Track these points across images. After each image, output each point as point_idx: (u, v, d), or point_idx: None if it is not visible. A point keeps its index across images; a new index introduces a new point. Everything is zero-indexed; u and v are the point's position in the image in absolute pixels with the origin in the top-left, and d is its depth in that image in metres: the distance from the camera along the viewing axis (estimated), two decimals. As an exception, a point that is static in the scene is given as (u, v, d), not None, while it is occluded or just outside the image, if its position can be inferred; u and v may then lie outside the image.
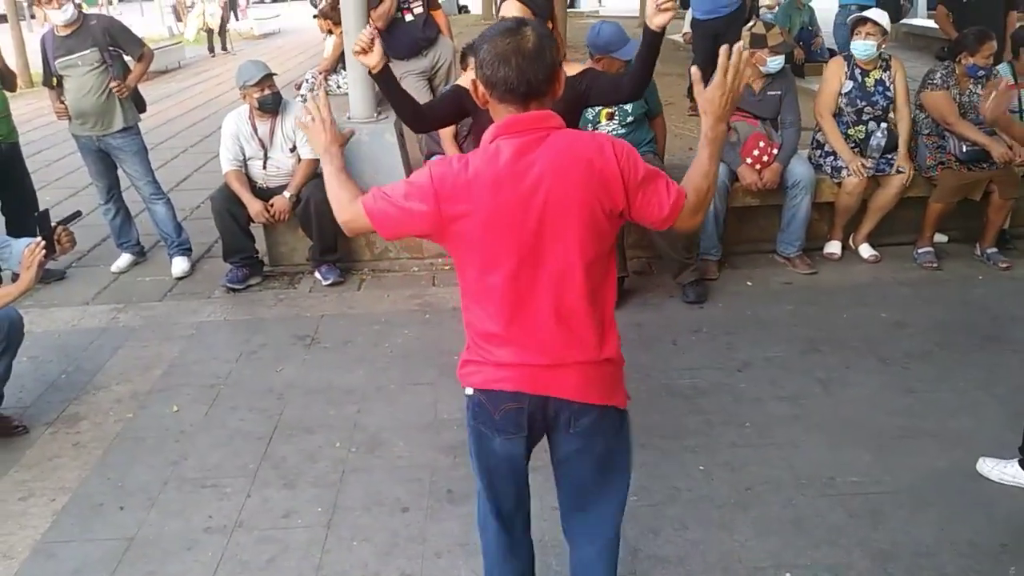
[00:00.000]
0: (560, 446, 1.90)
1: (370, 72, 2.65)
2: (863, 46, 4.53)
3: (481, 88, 1.73)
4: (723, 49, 1.70)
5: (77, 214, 3.34)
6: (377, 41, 2.58)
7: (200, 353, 4.03)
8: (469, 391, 1.87)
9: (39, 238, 3.06)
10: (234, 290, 4.69)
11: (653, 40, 2.53)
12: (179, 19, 22.27)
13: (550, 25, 2.65)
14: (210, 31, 18.19)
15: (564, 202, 1.68)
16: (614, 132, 4.33)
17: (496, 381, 1.81)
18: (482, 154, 1.71)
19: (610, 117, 4.35)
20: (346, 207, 1.85)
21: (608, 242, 1.77)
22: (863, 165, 4.55)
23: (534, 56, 1.66)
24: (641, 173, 1.71)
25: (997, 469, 2.85)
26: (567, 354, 1.78)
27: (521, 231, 1.69)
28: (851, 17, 4.76)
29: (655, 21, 2.43)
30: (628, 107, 4.31)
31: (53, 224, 3.10)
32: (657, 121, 4.59)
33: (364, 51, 2.56)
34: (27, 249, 3.02)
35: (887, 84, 4.60)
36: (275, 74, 4.66)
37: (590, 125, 4.34)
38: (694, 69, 1.81)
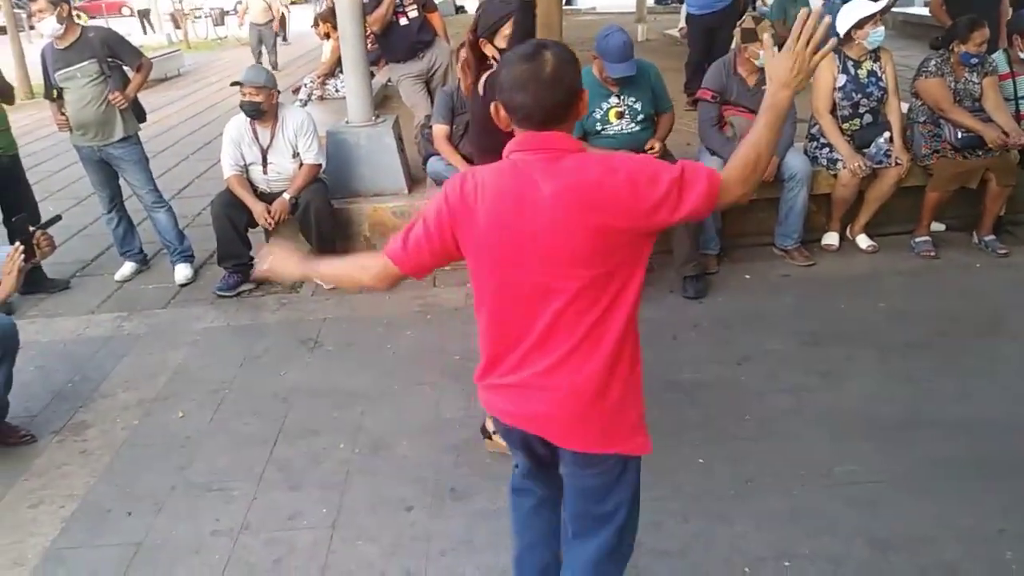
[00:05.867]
0: None
1: None
2: (878, 33, 4.51)
3: (503, 112, 1.72)
4: (802, 12, 1.69)
5: (57, 218, 3.36)
6: None
7: (205, 359, 4.07)
8: None
9: (18, 243, 3.09)
10: (224, 297, 4.72)
11: None
12: (177, 27, 22.31)
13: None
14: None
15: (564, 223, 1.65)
16: (625, 129, 4.37)
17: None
18: (495, 167, 1.74)
19: (620, 116, 4.36)
20: (372, 267, 1.88)
21: (613, 259, 1.73)
22: (861, 166, 4.54)
23: (551, 83, 1.63)
24: (663, 188, 1.65)
25: None
26: None
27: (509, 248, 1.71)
28: (852, 7, 4.59)
29: None
30: (638, 105, 4.34)
31: (32, 229, 3.13)
32: (665, 117, 4.56)
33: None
34: (6, 256, 3.05)
35: (879, 75, 4.61)
36: (265, 86, 4.56)
37: (598, 124, 4.35)
38: (766, 37, 1.84)
